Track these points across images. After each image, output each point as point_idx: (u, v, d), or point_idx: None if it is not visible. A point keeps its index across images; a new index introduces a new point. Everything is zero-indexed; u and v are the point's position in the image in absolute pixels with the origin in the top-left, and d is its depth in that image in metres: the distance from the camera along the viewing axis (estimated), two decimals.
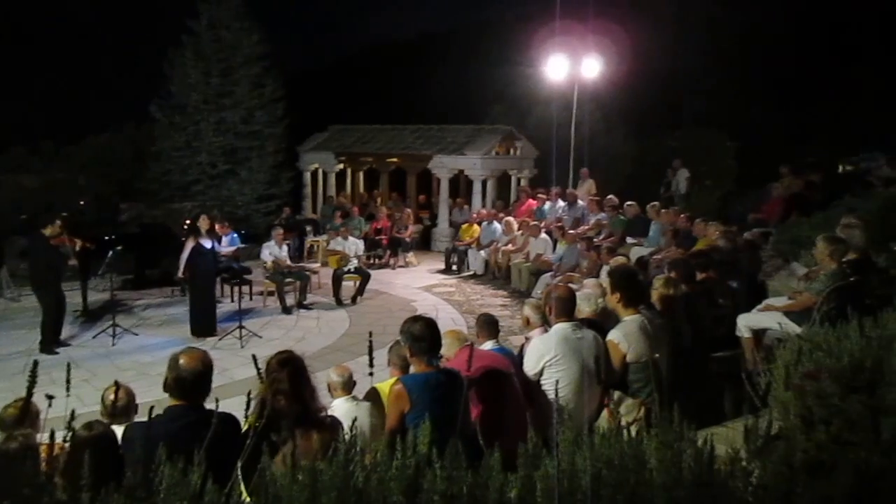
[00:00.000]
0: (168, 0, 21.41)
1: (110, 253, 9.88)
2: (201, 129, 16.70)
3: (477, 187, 16.60)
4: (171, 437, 2.75)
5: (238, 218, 15.82)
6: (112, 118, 19.38)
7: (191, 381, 3.09)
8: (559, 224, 13.11)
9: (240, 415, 3.07)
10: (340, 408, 4.24)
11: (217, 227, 10.94)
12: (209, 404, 3.05)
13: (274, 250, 11.33)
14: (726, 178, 18.76)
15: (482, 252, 13.62)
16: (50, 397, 2.63)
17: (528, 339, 5.11)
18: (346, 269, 11.73)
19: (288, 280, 11.12)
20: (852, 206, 9.56)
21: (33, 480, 2.06)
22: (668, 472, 2.21)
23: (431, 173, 17.31)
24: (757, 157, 18.14)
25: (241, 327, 9.19)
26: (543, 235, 12.43)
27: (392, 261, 14.83)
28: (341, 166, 18.94)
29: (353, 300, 11.46)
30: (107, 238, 11.43)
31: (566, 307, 4.69)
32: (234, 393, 4.64)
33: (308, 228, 16.21)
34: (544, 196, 14.85)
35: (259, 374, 3.16)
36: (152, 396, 3.48)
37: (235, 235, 12.18)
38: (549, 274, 11.05)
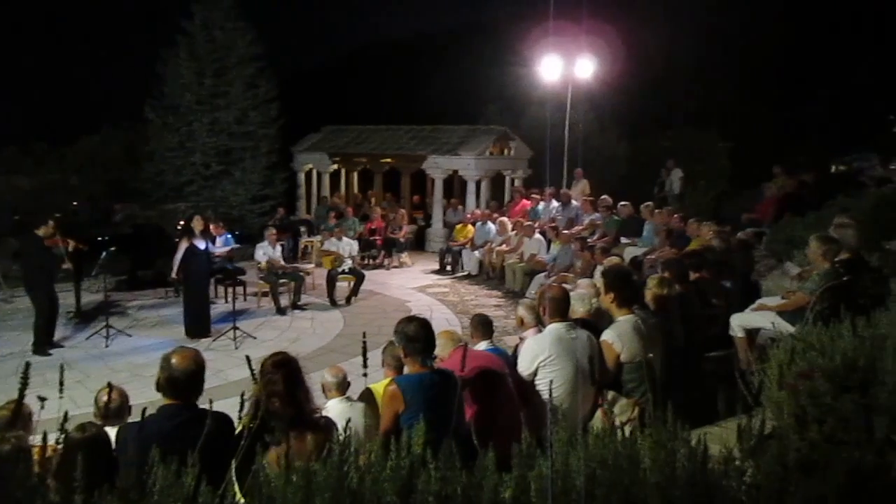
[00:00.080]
0: (161, 0, 21.36)
1: (104, 254, 9.84)
2: (195, 129, 16.66)
3: (471, 188, 16.61)
4: (165, 436, 2.75)
5: (232, 219, 15.79)
6: (105, 119, 19.32)
7: (183, 381, 3.09)
8: (553, 224, 13.11)
9: (234, 416, 3.07)
10: (335, 408, 4.24)
11: (211, 227, 10.92)
12: (203, 405, 3.04)
13: (268, 251, 11.30)
14: (720, 179, 18.82)
15: (476, 252, 13.62)
16: (42, 399, 2.63)
17: (522, 339, 5.11)
18: (340, 269, 11.72)
19: (282, 281, 11.11)
20: (845, 205, 9.58)
21: (26, 483, 2.06)
22: (662, 471, 2.21)
23: (426, 174, 17.32)
24: (750, 158, 18.22)
25: (235, 328, 9.17)
26: (537, 236, 12.45)
27: (386, 261, 14.83)
28: (335, 167, 18.93)
29: (348, 301, 11.45)
30: (100, 239, 11.36)
31: (560, 307, 4.69)
32: (228, 394, 4.61)
33: (302, 229, 16.19)
34: (538, 196, 14.86)
35: (253, 375, 3.15)
36: (146, 398, 3.47)
37: (229, 236, 12.15)
38: (543, 274, 11.07)
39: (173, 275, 9.95)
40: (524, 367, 4.54)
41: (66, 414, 2.49)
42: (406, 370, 3.76)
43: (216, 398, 2.93)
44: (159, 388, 3.13)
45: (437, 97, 26.19)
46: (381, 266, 14.68)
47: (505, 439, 2.51)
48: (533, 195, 15.07)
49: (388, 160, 18.64)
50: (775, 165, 13.18)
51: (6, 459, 2.65)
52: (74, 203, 15.29)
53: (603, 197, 13.12)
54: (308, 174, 18.99)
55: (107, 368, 8.07)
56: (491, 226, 13.83)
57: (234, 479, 2.30)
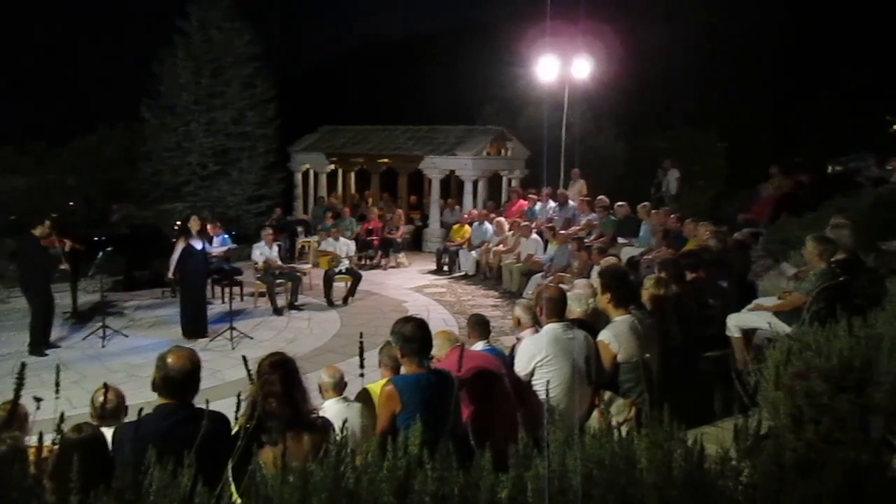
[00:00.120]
0: (158, 0, 21.33)
1: (100, 254, 9.81)
2: (192, 129, 16.63)
3: (468, 188, 16.61)
4: (161, 435, 2.75)
5: (229, 219, 15.74)
6: (102, 119, 19.26)
7: (179, 380, 3.09)
8: (550, 224, 13.12)
9: (231, 416, 3.06)
10: (331, 409, 4.24)
11: (208, 227, 10.90)
12: (199, 405, 3.04)
13: (265, 251, 11.29)
14: (716, 179, 18.85)
15: (473, 252, 13.62)
16: (38, 399, 2.62)
17: (519, 339, 5.12)
18: (337, 269, 11.71)
19: (279, 281, 11.09)
20: (841, 206, 9.60)
21: (22, 484, 2.05)
22: (659, 471, 2.21)
23: (423, 174, 17.31)
24: (747, 158, 18.25)
25: (232, 328, 9.15)
26: (534, 236, 12.45)
27: (383, 261, 14.82)
28: (332, 167, 18.92)
29: (345, 301, 11.43)
30: (97, 239, 11.35)
31: (557, 307, 4.70)
32: (224, 394, 4.60)
33: (299, 229, 16.17)
34: (535, 196, 14.87)
35: (250, 375, 3.15)
36: (142, 398, 3.46)
37: (226, 236, 12.13)
38: (539, 274, 11.07)
39: (170, 275, 9.93)
40: (521, 368, 4.55)
41: (62, 414, 2.49)
42: (403, 370, 3.76)
43: (213, 398, 2.93)
44: (155, 387, 3.13)
45: (434, 97, 26.24)
46: (378, 266, 14.67)
47: (502, 439, 2.51)
48: (530, 195, 15.08)
49: (385, 160, 18.64)
50: (772, 166, 13.20)
51: (2, 460, 2.64)
52: (71, 203, 15.26)
53: (600, 197, 13.11)
54: (305, 174, 18.98)
55: (103, 369, 8.04)
56: (488, 226, 13.83)
57: (230, 479, 2.29)
